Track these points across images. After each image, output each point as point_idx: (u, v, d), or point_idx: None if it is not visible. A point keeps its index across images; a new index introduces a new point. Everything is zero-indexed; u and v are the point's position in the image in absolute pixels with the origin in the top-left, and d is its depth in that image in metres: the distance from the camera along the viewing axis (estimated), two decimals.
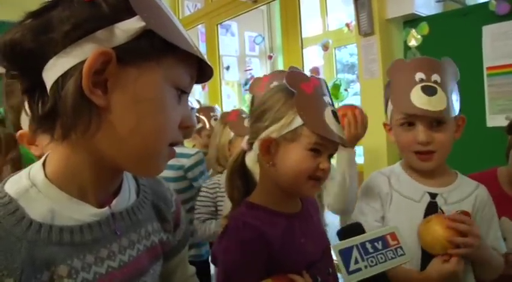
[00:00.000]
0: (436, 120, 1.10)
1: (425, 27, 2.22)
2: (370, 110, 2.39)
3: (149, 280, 0.68)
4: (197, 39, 4.45)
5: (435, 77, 1.11)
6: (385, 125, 1.26)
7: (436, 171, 1.16)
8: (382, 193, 1.18)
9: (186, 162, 2.05)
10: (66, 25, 0.50)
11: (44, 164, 0.59)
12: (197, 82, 0.64)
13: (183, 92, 0.60)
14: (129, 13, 0.52)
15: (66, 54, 0.51)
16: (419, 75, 1.11)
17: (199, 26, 4.40)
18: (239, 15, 3.90)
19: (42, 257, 0.53)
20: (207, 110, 2.71)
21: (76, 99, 0.51)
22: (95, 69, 0.51)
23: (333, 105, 0.96)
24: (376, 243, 0.84)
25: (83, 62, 0.50)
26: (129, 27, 0.52)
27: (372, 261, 0.82)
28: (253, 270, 0.86)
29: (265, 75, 1.69)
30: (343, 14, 3.54)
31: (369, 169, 2.41)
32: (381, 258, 0.82)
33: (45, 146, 0.58)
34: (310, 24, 3.73)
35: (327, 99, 0.94)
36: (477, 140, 1.93)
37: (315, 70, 3.27)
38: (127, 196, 0.67)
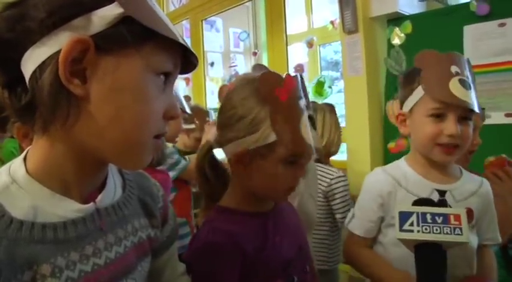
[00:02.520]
0: (465, 116, 1.08)
1: (408, 26, 2.25)
2: (353, 106, 2.42)
3: (137, 278, 0.66)
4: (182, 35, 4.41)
5: (466, 72, 1.10)
6: (399, 115, 1.20)
7: (447, 166, 1.15)
8: (383, 192, 1.15)
9: None
10: (42, 13, 0.49)
11: (25, 159, 0.57)
12: (182, 72, 0.62)
13: (168, 78, 0.58)
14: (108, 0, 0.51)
15: (43, 44, 0.50)
16: (454, 68, 1.08)
17: (184, 21, 4.37)
18: (224, 11, 3.89)
19: (23, 256, 0.51)
20: (202, 114, 2.62)
21: (53, 89, 0.50)
22: (72, 57, 0.49)
23: (307, 107, 0.93)
24: (436, 217, 0.86)
25: (59, 52, 0.49)
26: (107, 13, 0.50)
27: (425, 229, 0.84)
28: (228, 275, 0.83)
29: (231, 83, 1.66)
30: (328, 11, 3.55)
31: (351, 166, 2.43)
32: (436, 229, 0.84)
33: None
34: (295, 21, 3.74)
35: (302, 103, 0.89)
36: None
37: (300, 67, 3.28)
38: (112, 191, 0.65)
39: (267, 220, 0.92)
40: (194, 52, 0.61)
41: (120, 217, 0.64)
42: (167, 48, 0.56)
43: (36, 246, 0.52)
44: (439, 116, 1.08)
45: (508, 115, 1.95)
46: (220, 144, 0.92)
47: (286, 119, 0.85)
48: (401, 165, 1.21)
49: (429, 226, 0.85)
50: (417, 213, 0.87)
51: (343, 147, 2.58)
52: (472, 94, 1.08)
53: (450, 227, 0.84)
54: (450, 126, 1.06)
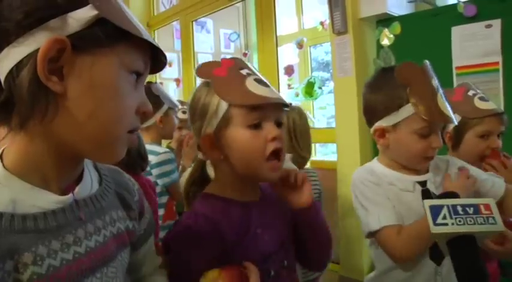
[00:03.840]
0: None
1: (397, 27, 2.27)
2: (343, 107, 2.44)
3: (118, 266, 0.67)
4: (172, 36, 4.42)
5: (438, 82, 1.13)
6: (377, 130, 1.18)
7: None
8: (384, 186, 1.15)
9: (153, 159, 2.08)
10: (18, 14, 0.51)
11: (1, 156, 0.58)
12: (153, 71, 0.65)
13: (139, 76, 0.62)
14: (82, 2, 0.53)
15: (20, 43, 0.51)
16: (434, 82, 1.11)
17: (175, 22, 4.37)
18: (214, 12, 3.89)
19: (4, 246, 0.52)
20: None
21: (32, 86, 0.51)
22: (49, 56, 0.51)
23: (256, 74, 0.92)
24: (467, 208, 0.84)
25: (37, 51, 0.51)
26: (82, 15, 0.53)
27: (459, 221, 0.82)
28: (203, 258, 0.84)
29: None
30: (318, 12, 3.57)
31: (341, 167, 2.45)
32: (470, 221, 0.82)
33: (1, 139, 0.57)
34: (286, 22, 3.75)
35: (245, 71, 0.90)
36: None
37: (290, 68, 3.29)
38: (89, 184, 0.66)
39: (250, 210, 0.93)
40: (162, 49, 0.64)
41: (98, 208, 0.66)
42: (138, 47, 0.60)
43: (16, 236, 0.53)
44: (426, 132, 1.11)
45: None
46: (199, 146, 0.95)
47: (229, 85, 0.88)
48: (376, 167, 1.22)
49: (462, 218, 0.83)
50: (447, 206, 0.84)
51: (333, 147, 2.59)
52: (448, 105, 1.11)
53: (483, 217, 0.83)
54: (436, 140, 1.11)
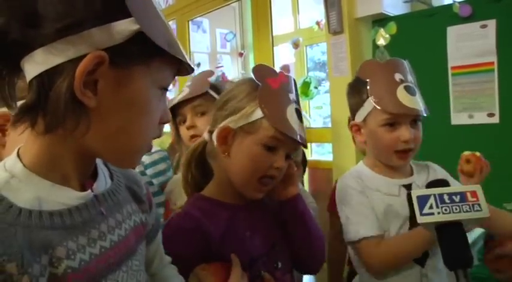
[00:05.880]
0: (415, 119, 1.13)
1: (393, 27, 2.26)
2: (339, 107, 2.44)
3: (140, 260, 0.70)
4: None
5: (409, 77, 1.15)
6: (353, 125, 1.24)
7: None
8: (368, 192, 1.16)
9: (146, 159, 2.08)
10: (58, 22, 0.50)
11: (17, 155, 0.59)
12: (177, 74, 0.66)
13: (165, 90, 0.63)
14: (122, 13, 0.52)
15: (56, 49, 0.51)
16: (398, 76, 1.13)
17: (170, 22, 4.34)
18: (211, 11, 3.88)
19: (38, 241, 0.53)
20: None
21: (67, 100, 0.51)
22: (87, 70, 0.51)
23: (298, 103, 0.96)
24: (454, 196, 0.86)
25: (73, 60, 0.50)
26: (122, 28, 0.52)
27: (445, 210, 0.84)
28: (190, 258, 0.87)
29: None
30: (315, 12, 3.56)
31: (337, 167, 2.44)
32: (456, 209, 0.84)
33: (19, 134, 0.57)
34: (282, 22, 3.75)
35: (292, 96, 0.94)
36: (442, 138, 1.99)
37: (285, 68, 3.28)
38: (103, 180, 0.68)
39: (237, 213, 0.95)
40: (193, 66, 0.66)
41: (115, 202, 0.68)
42: (170, 63, 0.61)
43: (47, 232, 0.54)
44: (392, 125, 1.13)
45: (490, 115, 1.98)
46: (211, 130, 0.97)
47: (274, 101, 0.91)
48: (363, 170, 1.23)
49: (448, 206, 0.85)
50: (434, 195, 0.86)
51: (329, 147, 2.59)
52: (419, 99, 1.13)
53: (469, 205, 0.84)
54: (404, 133, 1.12)
